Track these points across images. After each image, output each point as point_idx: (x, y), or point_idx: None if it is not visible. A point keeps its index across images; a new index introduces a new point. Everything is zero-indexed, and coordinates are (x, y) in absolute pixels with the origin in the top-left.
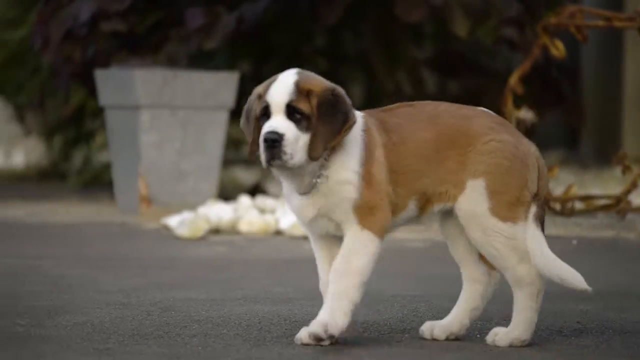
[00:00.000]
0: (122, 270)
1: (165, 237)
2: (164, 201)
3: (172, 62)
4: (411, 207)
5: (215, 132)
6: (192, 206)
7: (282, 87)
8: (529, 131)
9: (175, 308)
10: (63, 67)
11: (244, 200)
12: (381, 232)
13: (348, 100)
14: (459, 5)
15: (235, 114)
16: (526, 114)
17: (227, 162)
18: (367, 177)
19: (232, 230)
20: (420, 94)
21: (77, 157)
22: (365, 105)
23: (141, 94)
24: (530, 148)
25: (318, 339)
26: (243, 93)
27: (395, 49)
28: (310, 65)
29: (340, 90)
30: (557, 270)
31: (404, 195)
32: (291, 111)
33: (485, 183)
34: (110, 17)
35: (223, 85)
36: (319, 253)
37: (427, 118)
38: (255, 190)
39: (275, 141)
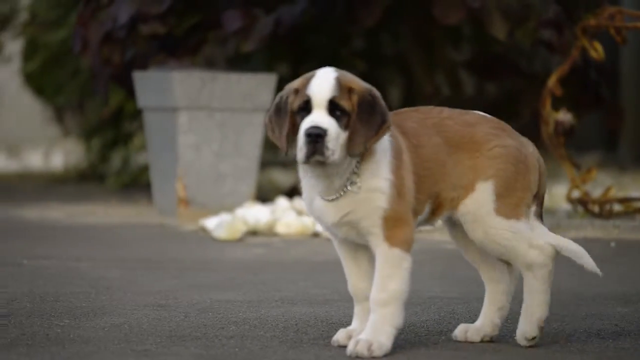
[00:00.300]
0: (160, 271)
1: (202, 239)
2: (202, 203)
3: (210, 64)
4: (426, 212)
5: (253, 133)
6: (230, 208)
7: (324, 82)
8: (568, 133)
9: (213, 310)
10: (102, 69)
11: (282, 202)
12: (409, 247)
13: (384, 103)
14: (497, 7)
15: None
16: (564, 116)
17: (265, 164)
18: (398, 185)
19: (269, 232)
20: (458, 96)
21: (116, 158)
22: (404, 107)
23: (179, 95)
24: (530, 149)
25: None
26: None
27: (433, 51)
28: (347, 67)
29: (377, 91)
30: (573, 247)
31: (422, 201)
32: (332, 107)
33: (493, 186)
34: (149, 19)
35: (261, 87)
36: (345, 255)
37: (433, 124)
38: (292, 192)
39: (319, 136)
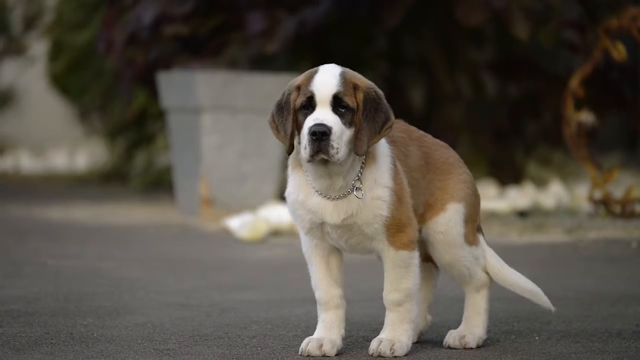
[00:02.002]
0: (183, 271)
1: (225, 239)
2: (225, 203)
3: (233, 65)
4: None
5: None
6: (253, 208)
7: (328, 78)
8: (589, 134)
9: (235, 309)
10: (126, 70)
11: None
12: (414, 245)
13: (386, 101)
14: (520, 8)
15: None
16: (587, 117)
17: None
18: (398, 191)
19: (291, 232)
20: (480, 97)
21: (139, 159)
22: (426, 108)
23: (202, 96)
24: None
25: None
26: None
27: (456, 52)
28: (370, 68)
29: (380, 90)
30: (523, 284)
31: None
32: (337, 103)
33: (464, 209)
34: (173, 20)
35: (284, 88)
36: (317, 260)
37: (416, 137)
38: None
39: (324, 134)
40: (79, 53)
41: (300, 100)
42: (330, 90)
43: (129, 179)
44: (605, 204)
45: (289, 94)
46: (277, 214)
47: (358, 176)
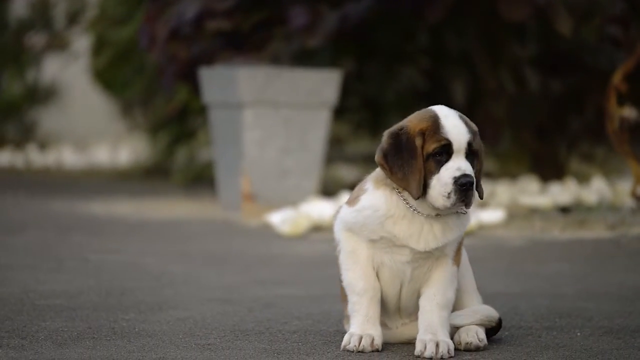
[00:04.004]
0: (224, 266)
1: (267, 234)
2: (266, 198)
3: (276, 60)
4: None
5: (317, 129)
6: (294, 203)
7: (460, 124)
8: (633, 129)
9: (276, 304)
10: (168, 66)
11: (346, 197)
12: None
13: None
14: (563, 3)
15: (338, 112)
16: (629, 113)
17: (329, 159)
18: None
19: (332, 228)
20: (522, 93)
21: (181, 154)
22: (468, 104)
23: (245, 92)
24: None
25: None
26: (345, 91)
27: (498, 47)
28: (413, 64)
29: None
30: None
31: None
32: (469, 151)
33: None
34: (216, 15)
35: (326, 83)
36: (367, 262)
37: None
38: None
39: (472, 185)
40: (122, 48)
41: (433, 146)
42: (466, 138)
43: (171, 174)
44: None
45: (411, 139)
46: (318, 210)
47: None
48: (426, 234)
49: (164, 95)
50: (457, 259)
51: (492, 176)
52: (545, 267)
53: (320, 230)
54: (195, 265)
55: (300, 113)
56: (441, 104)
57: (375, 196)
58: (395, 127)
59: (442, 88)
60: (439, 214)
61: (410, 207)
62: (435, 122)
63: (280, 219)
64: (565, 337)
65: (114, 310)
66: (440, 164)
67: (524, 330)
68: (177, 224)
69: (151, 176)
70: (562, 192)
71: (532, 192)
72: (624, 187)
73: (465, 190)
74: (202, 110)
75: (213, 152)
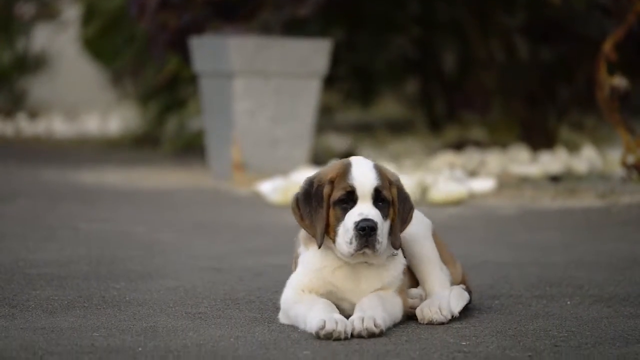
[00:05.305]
0: (215, 235)
1: (257, 203)
2: (257, 167)
3: (266, 30)
4: None
5: (307, 98)
6: (285, 172)
7: (367, 171)
8: (623, 98)
9: (267, 273)
10: (158, 35)
11: None
12: None
13: None
14: None
15: (328, 81)
16: (620, 81)
17: (320, 129)
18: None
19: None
20: (512, 62)
21: (171, 123)
22: (459, 73)
23: (235, 61)
24: None
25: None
26: (336, 60)
27: (488, 16)
28: (403, 33)
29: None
30: None
31: None
32: (377, 197)
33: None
34: None
35: (316, 52)
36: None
37: None
38: (347, 156)
39: (372, 229)
40: (111, 17)
41: (338, 194)
42: (372, 184)
43: (161, 143)
44: (638, 169)
45: (320, 187)
46: None
47: None
48: (363, 284)
49: (154, 64)
50: (401, 294)
51: (482, 145)
52: (536, 235)
53: None
54: (185, 234)
55: (291, 82)
56: (432, 74)
57: (308, 255)
58: (312, 174)
59: (432, 57)
60: (366, 261)
61: (340, 258)
62: (344, 170)
63: (271, 188)
64: (556, 305)
65: (104, 279)
66: (346, 211)
67: (515, 299)
68: (168, 193)
69: (141, 145)
70: (552, 161)
71: (522, 161)
72: (614, 156)
73: (364, 235)
74: (193, 80)
75: (203, 121)
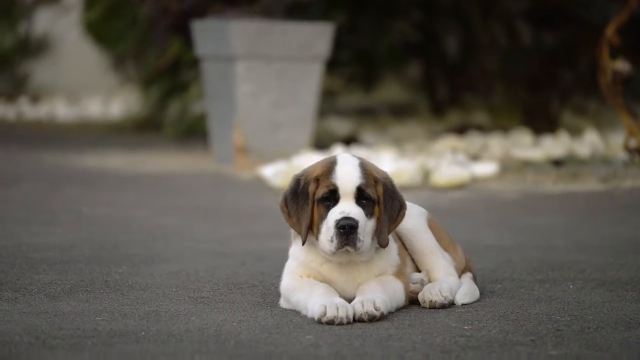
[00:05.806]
0: (217, 219)
1: (259, 187)
2: (259, 151)
3: (268, 14)
4: None
5: (309, 82)
6: (287, 156)
7: (351, 170)
8: (625, 82)
9: (270, 257)
10: (160, 18)
11: (338, 150)
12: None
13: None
14: None
15: (330, 65)
16: (622, 66)
17: (322, 113)
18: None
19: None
20: (515, 46)
21: (173, 107)
22: (461, 57)
23: (237, 45)
24: None
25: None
26: (338, 44)
27: (491, 0)
28: (405, 17)
29: (391, 178)
30: None
31: None
32: (360, 196)
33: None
34: None
35: (318, 36)
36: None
37: None
38: (349, 140)
39: (352, 227)
40: (114, 1)
41: (321, 192)
42: (354, 183)
43: (163, 127)
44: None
45: (306, 185)
46: (310, 163)
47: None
48: (354, 275)
49: (156, 48)
50: (401, 277)
51: (484, 129)
52: (538, 219)
53: None
54: (187, 218)
55: (293, 66)
56: (434, 58)
57: (297, 249)
58: (300, 172)
59: (434, 41)
60: (351, 260)
61: (323, 256)
62: (329, 168)
63: (273, 172)
64: (558, 289)
65: (107, 263)
66: (329, 208)
67: (517, 283)
68: (170, 177)
69: (143, 129)
70: (554, 145)
71: (524, 145)
72: (617, 140)
73: (344, 233)
74: (195, 63)
75: (205, 105)
